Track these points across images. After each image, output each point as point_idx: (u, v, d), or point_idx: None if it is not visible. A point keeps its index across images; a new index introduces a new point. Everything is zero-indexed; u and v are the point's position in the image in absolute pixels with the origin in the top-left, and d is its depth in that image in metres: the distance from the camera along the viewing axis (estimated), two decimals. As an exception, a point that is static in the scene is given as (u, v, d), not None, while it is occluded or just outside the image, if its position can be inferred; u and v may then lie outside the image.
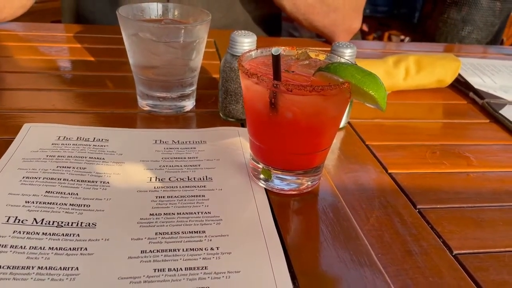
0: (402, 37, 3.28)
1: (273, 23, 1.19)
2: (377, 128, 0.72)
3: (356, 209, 0.51)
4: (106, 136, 0.58)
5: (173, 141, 0.59)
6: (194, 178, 0.52)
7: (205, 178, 0.52)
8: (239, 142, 0.60)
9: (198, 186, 0.51)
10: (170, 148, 0.58)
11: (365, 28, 3.27)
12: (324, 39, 1.09)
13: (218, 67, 0.86)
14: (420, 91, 0.85)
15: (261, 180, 0.52)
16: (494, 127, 0.76)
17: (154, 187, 0.50)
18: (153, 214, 0.46)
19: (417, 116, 0.78)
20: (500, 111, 0.78)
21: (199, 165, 0.55)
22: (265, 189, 0.52)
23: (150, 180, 0.51)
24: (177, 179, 0.52)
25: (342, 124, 0.68)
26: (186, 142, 0.59)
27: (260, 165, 0.51)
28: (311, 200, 0.52)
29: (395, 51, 1.12)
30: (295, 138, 0.48)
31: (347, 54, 0.64)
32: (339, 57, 0.53)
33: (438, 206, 0.54)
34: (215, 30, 1.06)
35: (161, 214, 0.46)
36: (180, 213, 0.47)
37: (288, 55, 0.54)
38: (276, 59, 0.43)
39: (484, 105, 0.81)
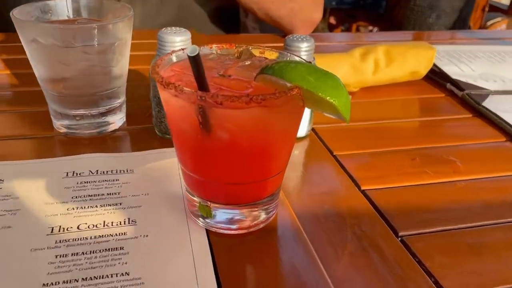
0: (370, 27, 3.21)
1: (230, 18, 1.07)
2: (346, 133, 0.61)
3: (324, 246, 0.40)
4: (0, 174, 0.46)
5: (90, 171, 0.47)
6: (111, 223, 0.40)
7: (126, 222, 0.40)
8: (176, 167, 0.48)
9: (116, 234, 0.39)
10: (85, 183, 0.45)
11: (332, 21, 3.18)
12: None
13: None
14: (391, 86, 0.75)
15: (199, 218, 0.40)
16: (478, 122, 0.66)
17: (55, 242, 0.38)
18: (47, 284, 0.34)
19: (390, 116, 0.67)
20: (483, 103, 0.68)
21: (120, 204, 0.42)
22: (206, 229, 0.40)
23: (52, 232, 0.39)
24: (88, 227, 0.39)
25: (303, 132, 0.57)
26: (107, 172, 0.47)
27: (197, 199, 0.40)
28: (264, 240, 0.40)
29: (364, 42, 1.02)
30: (237, 164, 0.36)
31: (303, 49, 0.53)
32: (291, 54, 0.41)
33: (425, 231, 0.43)
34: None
35: (58, 283, 0.34)
36: (86, 278, 0.34)
37: (225, 55, 0.42)
38: (194, 61, 0.31)
39: (464, 97, 0.71)
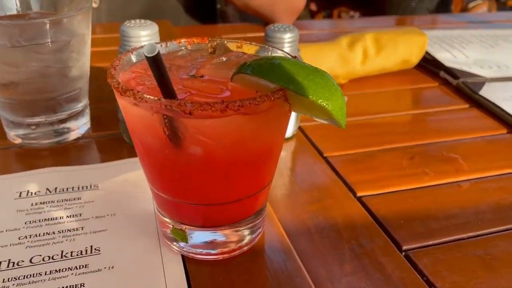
0: (352, 13, 3.16)
1: (206, 7, 1.01)
2: (336, 131, 0.55)
3: (318, 268, 0.35)
4: None
5: (47, 189, 0.41)
6: (71, 253, 0.34)
7: (88, 251, 0.34)
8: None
9: (76, 267, 0.33)
10: (40, 204, 0.39)
11: (313, 7, 3.12)
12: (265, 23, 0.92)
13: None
14: (381, 76, 0.70)
15: (174, 242, 0.35)
16: (476, 113, 0.61)
17: (3, 281, 0.32)
18: (-13, 338, 0.28)
19: (382, 109, 0.62)
20: (480, 92, 0.64)
21: (82, 229, 0.36)
22: (182, 255, 0.35)
23: (-2, 267, 0.33)
24: (43, 259, 0.33)
25: (289, 133, 0.52)
26: (67, 189, 0.41)
27: (169, 221, 0.34)
28: (250, 265, 0.35)
29: (348, 29, 0.96)
30: (215, 182, 0.30)
31: (287, 40, 0.48)
32: (273, 48, 0.36)
33: (430, 243, 0.39)
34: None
35: (2, 335, 0.28)
36: (37, 326, 0.29)
37: (197, 51, 0.36)
38: (154, 62, 0.25)
39: (460, 86, 0.67)
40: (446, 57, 0.73)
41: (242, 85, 0.30)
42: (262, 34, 0.49)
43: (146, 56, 0.25)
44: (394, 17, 1.48)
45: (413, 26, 0.98)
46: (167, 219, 0.34)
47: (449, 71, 0.70)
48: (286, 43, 0.48)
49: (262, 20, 0.91)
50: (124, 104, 0.29)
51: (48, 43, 0.42)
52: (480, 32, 0.84)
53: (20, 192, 0.40)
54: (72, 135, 0.49)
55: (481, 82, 0.67)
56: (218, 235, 0.33)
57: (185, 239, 0.33)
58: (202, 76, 0.32)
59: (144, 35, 0.43)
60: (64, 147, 0.49)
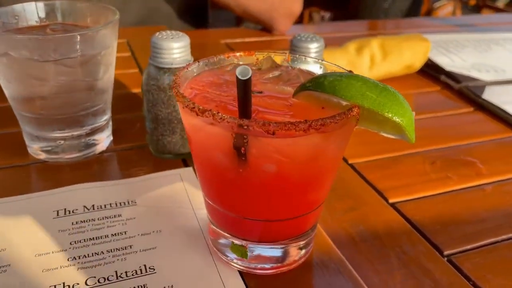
0: (323, 13, 3.20)
1: (199, 11, 1.00)
2: (354, 137, 0.56)
3: (371, 276, 0.36)
4: (-25, 219, 0.37)
5: (85, 207, 0.40)
6: (126, 273, 0.33)
7: (143, 270, 0.34)
8: (184, 193, 0.42)
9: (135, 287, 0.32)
10: (81, 222, 0.38)
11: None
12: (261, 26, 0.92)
13: (135, 78, 0.66)
14: (386, 81, 0.71)
15: (233, 260, 0.34)
16: (482, 117, 0.64)
17: (62, 307, 0.31)
18: None
19: (393, 114, 0.63)
20: (483, 96, 0.66)
21: (130, 247, 0.36)
22: (239, 271, 0.34)
23: (54, 292, 0.32)
24: (98, 281, 0.33)
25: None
26: (105, 206, 0.40)
27: (228, 237, 0.34)
28: (309, 276, 0.35)
29: (319, 33, 0.97)
30: (281, 199, 0.31)
31: (313, 50, 0.48)
32: (304, 57, 0.36)
33: (469, 247, 0.40)
34: (128, 28, 0.85)
35: None
36: None
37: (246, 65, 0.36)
38: (244, 86, 0.25)
39: (463, 90, 0.69)
40: (444, 61, 0.75)
41: (307, 101, 0.30)
42: (263, 38, 0.49)
43: (238, 79, 0.25)
44: (365, 22, 1.48)
45: (383, 31, 1.00)
46: (226, 234, 0.34)
47: (450, 75, 0.72)
48: (312, 52, 0.48)
49: (259, 25, 0.92)
50: (194, 122, 0.28)
51: (77, 57, 0.41)
52: (473, 36, 0.88)
53: (57, 211, 0.39)
54: (97, 149, 0.48)
55: (482, 85, 0.69)
56: (277, 250, 0.34)
57: (245, 255, 0.33)
58: (261, 92, 0.32)
59: (176, 47, 0.43)
60: (88, 162, 0.48)
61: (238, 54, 0.36)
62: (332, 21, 2.90)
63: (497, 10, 3.25)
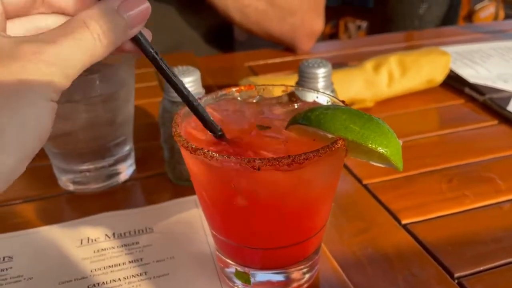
0: (359, 22, 3.18)
1: (224, 37, 1.03)
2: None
3: (377, 302, 0.36)
4: (9, 251, 0.41)
5: (106, 235, 0.43)
6: (139, 299, 0.36)
7: (156, 296, 0.36)
8: (198, 219, 0.44)
9: (146, 313, 0.35)
10: (102, 250, 0.41)
11: (319, 20, 3.14)
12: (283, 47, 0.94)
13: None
14: (407, 96, 0.71)
15: (239, 286, 0.36)
16: (506, 130, 0.62)
17: (80, 331, 0.33)
18: None
19: (411, 130, 0.63)
20: (508, 108, 0.65)
21: (145, 273, 0.38)
22: (245, 295, 0.36)
23: (74, 318, 0.34)
24: (114, 307, 0.35)
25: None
26: (124, 234, 0.43)
27: (231, 264, 0.35)
28: (311, 301, 0.36)
29: (357, 50, 0.97)
30: (277, 228, 0.32)
31: (321, 75, 0.50)
32: (313, 91, 0.37)
33: (481, 269, 0.40)
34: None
35: None
36: None
37: (267, 99, 0.38)
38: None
39: (487, 103, 0.68)
40: (469, 73, 0.74)
41: (299, 134, 0.32)
42: (286, 59, 0.51)
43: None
44: (402, 33, 1.45)
45: (422, 41, 0.98)
46: (230, 262, 0.35)
47: (474, 87, 0.71)
48: (320, 77, 0.49)
49: (282, 46, 0.94)
50: (192, 159, 0.31)
51: (97, 96, 0.45)
52: (499, 45, 0.85)
53: (81, 240, 0.42)
54: (121, 178, 0.51)
55: (508, 97, 0.68)
56: (280, 276, 0.35)
57: (248, 281, 0.35)
58: (268, 127, 0.34)
59: (187, 82, 0.45)
60: (112, 191, 0.51)
61: (238, 88, 0.38)
62: (367, 33, 2.86)
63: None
